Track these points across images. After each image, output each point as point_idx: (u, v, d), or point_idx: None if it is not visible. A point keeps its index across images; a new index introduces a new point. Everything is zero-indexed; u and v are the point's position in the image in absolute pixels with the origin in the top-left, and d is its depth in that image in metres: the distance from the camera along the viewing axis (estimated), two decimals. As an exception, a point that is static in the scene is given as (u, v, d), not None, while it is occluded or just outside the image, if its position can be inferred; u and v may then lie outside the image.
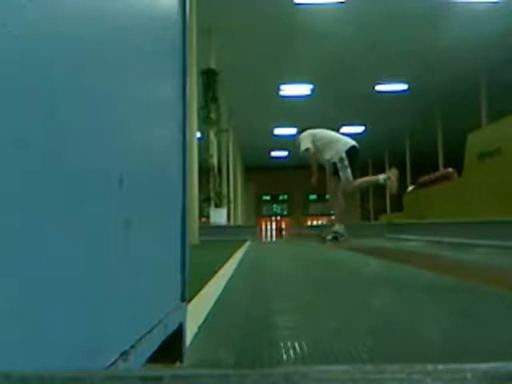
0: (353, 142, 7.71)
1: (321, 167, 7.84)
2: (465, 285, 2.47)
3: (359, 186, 7.95)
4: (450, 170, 10.42)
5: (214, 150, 11.80)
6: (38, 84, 0.37)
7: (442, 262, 4.20)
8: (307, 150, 7.76)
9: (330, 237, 7.84)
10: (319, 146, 7.75)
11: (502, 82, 15.03)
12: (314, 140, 7.78)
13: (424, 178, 10.90)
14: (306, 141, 7.83)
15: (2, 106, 0.32)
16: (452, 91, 16.96)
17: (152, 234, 0.72)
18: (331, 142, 7.72)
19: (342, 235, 7.72)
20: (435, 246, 6.32)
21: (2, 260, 0.32)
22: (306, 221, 34.53)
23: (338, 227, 7.81)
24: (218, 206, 11.51)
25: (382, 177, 7.74)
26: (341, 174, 7.55)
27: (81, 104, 0.45)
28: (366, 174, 32.09)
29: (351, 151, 7.61)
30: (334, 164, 7.62)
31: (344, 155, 7.54)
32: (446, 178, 9.86)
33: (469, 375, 0.24)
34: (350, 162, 7.57)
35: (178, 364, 0.84)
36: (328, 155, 7.70)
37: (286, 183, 34.23)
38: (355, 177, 7.66)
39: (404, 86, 17.03)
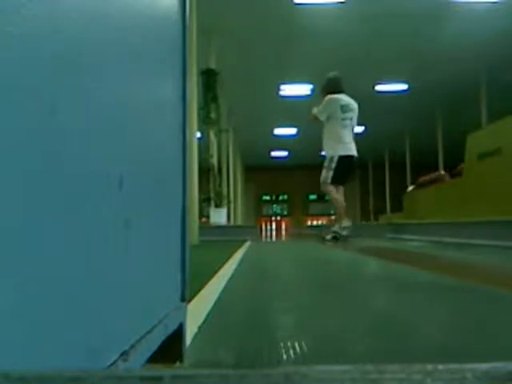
0: (352, 152, 7.48)
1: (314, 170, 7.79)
2: (465, 285, 2.47)
3: (330, 196, 7.61)
4: (443, 172, 10.61)
5: (213, 150, 11.80)
6: (37, 84, 0.37)
7: (442, 262, 4.20)
8: (317, 117, 7.54)
9: (329, 236, 7.85)
10: (330, 129, 7.47)
11: (502, 82, 15.03)
12: (331, 117, 7.45)
13: (424, 178, 10.91)
14: (323, 112, 7.52)
15: (2, 106, 0.32)
16: (452, 91, 16.97)
17: (152, 233, 0.72)
18: (337, 140, 7.45)
19: (341, 235, 7.72)
20: (435, 246, 6.32)
21: (2, 260, 0.32)
22: (306, 221, 34.54)
23: (337, 227, 7.80)
24: (218, 206, 11.51)
25: (346, 224, 7.49)
26: (323, 171, 7.47)
27: (81, 104, 0.45)
28: (366, 174, 31.83)
29: (346, 159, 7.44)
30: (325, 157, 7.55)
31: (336, 158, 7.40)
32: (438, 180, 9.97)
33: (469, 375, 0.25)
34: (341, 169, 7.42)
35: (178, 364, 0.84)
36: (326, 144, 7.58)
37: (286, 183, 34.25)
38: (343, 183, 7.51)
39: (404, 86, 17.03)
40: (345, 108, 7.59)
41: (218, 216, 11.19)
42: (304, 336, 1.34)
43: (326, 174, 7.44)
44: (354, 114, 7.68)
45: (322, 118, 7.53)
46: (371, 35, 12.56)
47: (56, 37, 0.40)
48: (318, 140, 8.13)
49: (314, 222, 33.30)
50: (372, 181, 29.90)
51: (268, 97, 17.74)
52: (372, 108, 19.17)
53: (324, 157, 7.78)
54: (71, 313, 0.42)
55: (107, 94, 0.53)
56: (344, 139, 7.51)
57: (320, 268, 3.76)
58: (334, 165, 7.40)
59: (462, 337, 1.34)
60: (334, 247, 6.55)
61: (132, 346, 0.57)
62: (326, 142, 7.61)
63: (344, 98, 7.68)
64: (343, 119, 7.54)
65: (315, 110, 7.68)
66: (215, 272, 3.04)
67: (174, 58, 0.91)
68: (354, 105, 7.70)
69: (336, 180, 7.46)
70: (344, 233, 7.56)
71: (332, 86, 7.77)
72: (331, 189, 7.52)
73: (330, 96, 7.62)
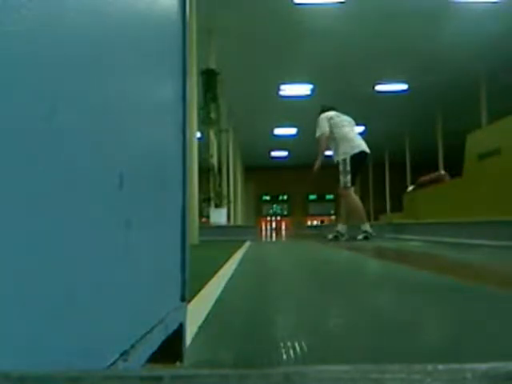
0: (363, 147, 7.45)
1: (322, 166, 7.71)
2: (464, 285, 2.47)
3: (350, 205, 7.49)
4: (443, 172, 10.66)
5: (213, 150, 11.81)
6: (37, 84, 0.37)
7: (442, 262, 4.20)
8: (322, 134, 7.55)
9: (330, 236, 7.92)
10: (335, 137, 7.52)
11: (502, 82, 15.03)
12: (332, 127, 7.52)
13: (424, 178, 10.93)
14: (323, 125, 7.57)
15: (2, 106, 0.32)
16: (452, 91, 16.97)
17: (152, 233, 0.72)
18: (343, 140, 7.46)
19: (342, 235, 7.74)
20: (435, 246, 6.32)
21: (2, 260, 0.32)
22: (306, 221, 34.54)
23: (340, 227, 7.84)
24: (217, 206, 11.51)
25: (368, 229, 7.43)
26: (340, 177, 7.40)
27: (81, 104, 0.45)
28: (366, 174, 31.83)
29: (359, 156, 7.40)
30: (338, 163, 7.50)
31: (348, 159, 7.35)
32: (438, 180, 10.01)
33: (469, 375, 0.24)
34: (354, 167, 7.38)
35: (178, 364, 0.84)
36: (335, 152, 7.58)
37: (286, 183, 34.24)
38: (354, 183, 7.50)
39: (404, 86, 17.04)
40: (337, 116, 7.78)
41: (218, 216, 11.20)
42: (304, 336, 1.34)
43: (345, 179, 7.38)
44: (349, 121, 7.80)
45: (326, 128, 7.54)
46: (371, 35, 12.56)
47: (56, 37, 0.40)
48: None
49: (314, 222, 33.34)
50: (372, 181, 29.90)
51: (268, 97, 17.75)
52: (372, 108, 19.20)
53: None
54: (71, 313, 0.42)
55: (107, 94, 0.53)
56: (350, 135, 7.56)
57: (320, 268, 3.75)
58: (348, 167, 7.37)
59: (462, 336, 1.34)
60: (334, 247, 6.55)
61: (132, 346, 0.57)
62: (336, 151, 7.62)
63: (334, 112, 7.85)
64: (341, 122, 7.68)
65: (317, 134, 7.73)
66: (215, 272, 3.04)
67: (174, 57, 0.91)
68: (346, 116, 7.87)
69: (353, 181, 7.46)
70: (370, 234, 7.45)
71: (323, 110, 7.94)
72: (351, 193, 7.49)
73: (320, 116, 7.79)
